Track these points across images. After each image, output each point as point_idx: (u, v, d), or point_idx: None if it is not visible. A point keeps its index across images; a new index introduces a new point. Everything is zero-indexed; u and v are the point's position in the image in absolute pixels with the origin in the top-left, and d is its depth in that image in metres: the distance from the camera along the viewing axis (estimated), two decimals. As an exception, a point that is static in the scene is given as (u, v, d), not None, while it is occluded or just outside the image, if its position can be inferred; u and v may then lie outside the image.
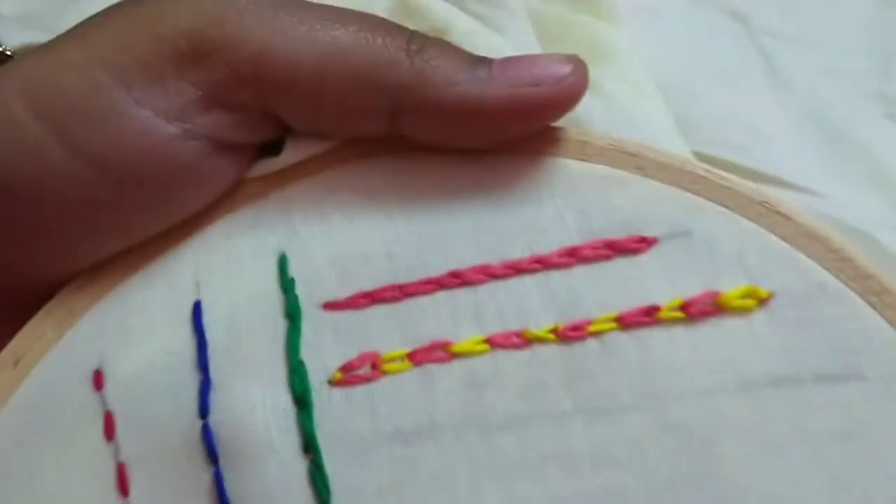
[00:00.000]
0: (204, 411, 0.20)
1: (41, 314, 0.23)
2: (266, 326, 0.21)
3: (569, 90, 0.22)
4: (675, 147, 0.32)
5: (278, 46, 0.21)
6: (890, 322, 0.22)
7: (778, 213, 0.23)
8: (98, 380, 0.21)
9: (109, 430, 0.21)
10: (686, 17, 0.37)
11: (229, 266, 0.22)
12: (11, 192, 0.21)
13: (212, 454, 0.20)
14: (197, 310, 0.22)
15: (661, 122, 0.32)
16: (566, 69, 0.22)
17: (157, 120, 0.21)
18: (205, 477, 0.20)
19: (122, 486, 0.20)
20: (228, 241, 0.23)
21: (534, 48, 0.32)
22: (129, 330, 0.22)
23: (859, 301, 0.22)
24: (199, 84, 0.21)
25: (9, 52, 0.26)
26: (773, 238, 0.22)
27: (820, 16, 0.37)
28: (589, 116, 0.31)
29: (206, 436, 0.20)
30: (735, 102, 0.35)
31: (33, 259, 0.22)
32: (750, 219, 0.23)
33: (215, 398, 0.20)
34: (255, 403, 0.20)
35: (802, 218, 0.23)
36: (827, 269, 0.22)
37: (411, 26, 0.23)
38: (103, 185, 0.21)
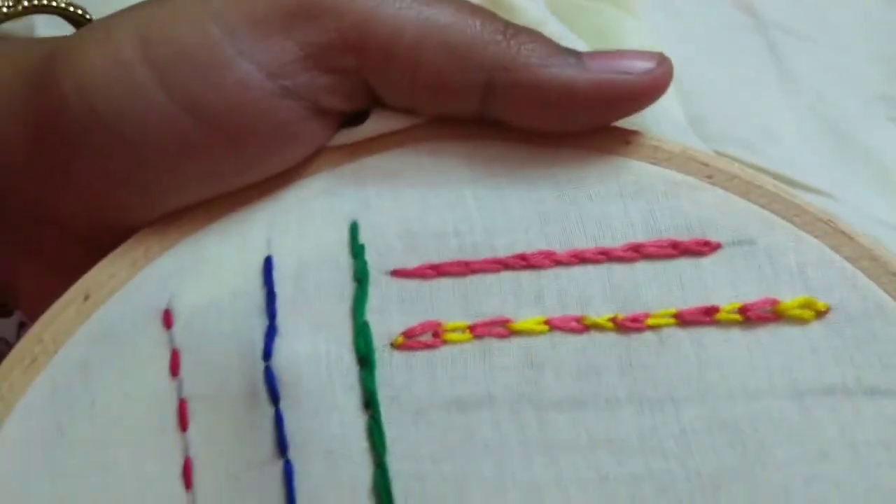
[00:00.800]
0: (268, 354, 0.21)
1: (116, 253, 0.23)
2: (334, 287, 0.22)
3: (655, 82, 0.23)
4: (684, 136, 0.33)
5: (383, 16, 0.22)
6: None
7: (842, 232, 0.23)
8: (168, 318, 0.22)
9: (175, 367, 0.22)
10: (697, 10, 0.37)
11: (302, 228, 0.23)
12: (115, 129, 0.22)
13: (273, 395, 0.21)
14: (268, 264, 0.22)
15: (672, 112, 0.33)
16: (652, 63, 0.23)
17: (258, 74, 0.22)
18: (265, 416, 0.21)
19: (182, 421, 0.21)
20: (303, 203, 0.24)
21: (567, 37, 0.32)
22: (200, 275, 0.23)
23: None
24: (304, 45, 0.22)
25: (88, 16, 0.27)
26: (836, 256, 0.23)
27: (829, 13, 0.37)
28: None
29: (269, 377, 0.21)
30: (743, 99, 0.35)
31: (123, 197, 0.23)
32: (814, 235, 0.23)
33: (280, 344, 0.21)
34: (319, 355, 0.21)
35: (864, 239, 0.23)
36: (886, 290, 0.22)
37: None
38: (198, 132, 0.22)
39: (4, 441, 0.21)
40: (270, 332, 0.21)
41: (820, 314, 0.22)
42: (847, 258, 0.23)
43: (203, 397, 0.21)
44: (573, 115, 0.23)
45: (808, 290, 0.22)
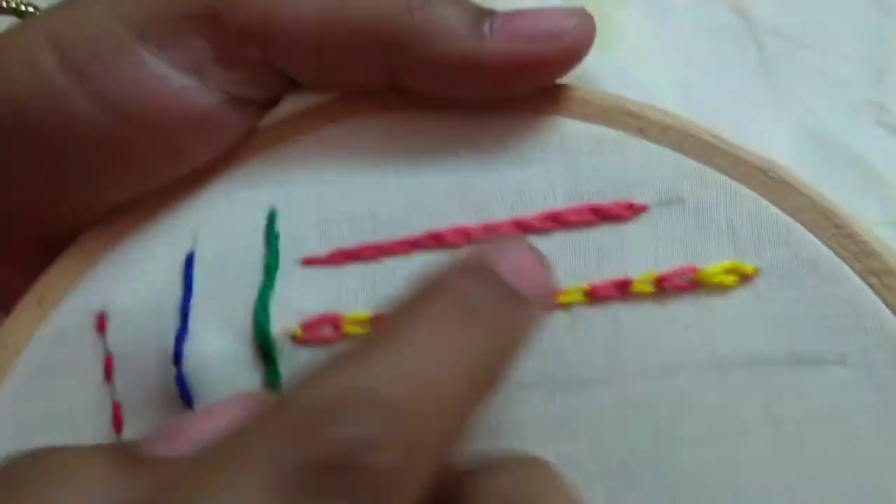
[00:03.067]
0: (178, 358, 0.22)
1: (62, 257, 0.24)
2: (246, 278, 0.22)
3: (570, 47, 0.22)
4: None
5: (283, 5, 0.22)
6: (890, 306, 0.20)
7: (784, 182, 0.21)
8: (101, 323, 0.23)
9: (109, 372, 0.23)
10: (690, 12, 0.36)
11: (224, 218, 0.23)
12: (39, 135, 0.23)
13: (186, 399, 0.21)
14: (189, 259, 0.23)
15: (670, 103, 0.32)
16: (570, 23, 0.22)
17: (171, 71, 0.22)
18: None
19: (117, 425, 0.22)
20: (227, 193, 0.24)
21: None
22: (131, 276, 0.23)
23: (856, 281, 0.20)
24: (211, 40, 0.23)
25: (31, 10, 0.27)
26: (773, 210, 0.21)
27: (819, 17, 0.36)
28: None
29: (180, 381, 0.21)
30: (729, 102, 0.34)
31: (56, 197, 0.24)
32: (751, 188, 0.21)
33: (190, 347, 0.22)
34: (226, 353, 0.22)
35: (808, 189, 0.21)
36: (828, 244, 0.21)
37: None
38: (121, 131, 0.23)
39: None
40: (181, 335, 0.22)
41: (746, 278, 0.21)
42: (787, 210, 0.21)
43: (132, 402, 0.22)
44: (484, 87, 0.22)
45: (736, 251, 0.21)
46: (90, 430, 0.22)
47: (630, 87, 0.31)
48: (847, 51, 0.36)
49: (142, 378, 0.22)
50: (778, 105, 0.35)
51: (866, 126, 0.34)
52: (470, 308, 0.17)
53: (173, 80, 0.22)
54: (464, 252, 0.22)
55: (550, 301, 0.19)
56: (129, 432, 0.22)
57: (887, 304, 0.20)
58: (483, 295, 0.17)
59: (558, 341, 0.21)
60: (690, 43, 0.36)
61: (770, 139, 0.34)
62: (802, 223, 0.21)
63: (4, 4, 0.28)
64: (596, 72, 0.33)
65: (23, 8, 0.29)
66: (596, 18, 0.32)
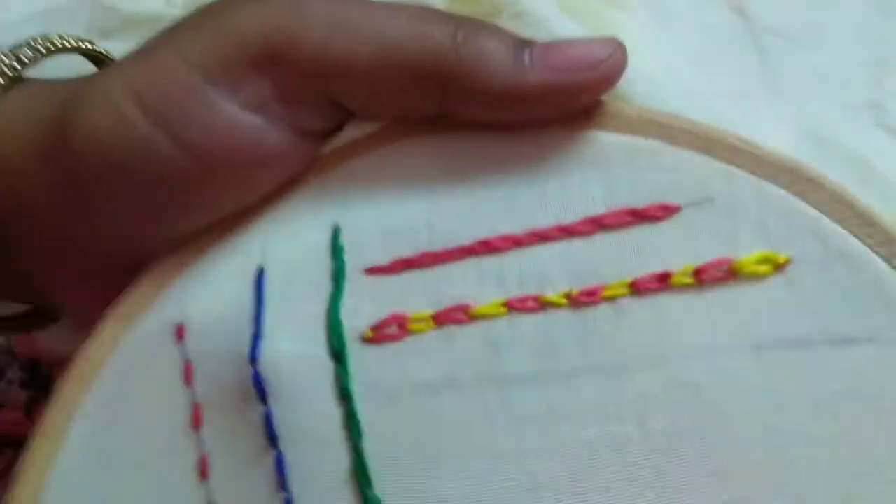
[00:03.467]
0: (254, 358, 0.23)
1: (142, 278, 0.27)
2: (315, 288, 0.24)
3: (604, 75, 0.24)
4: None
5: (335, 42, 0.24)
6: None
7: (807, 178, 0.23)
8: (180, 333, 0.25)
9: (188, 377, 0.25)
10: (691, 12, 0.37)
11: (291, 235, 0.26)
12: (125, 175, 0.25)
13: (261, 395, 0.23)
14: (260, 274, 0.25)
15: (666, 104, 0.33)
16: (605, 53, 0.24)
17: (241, 112, 0.24)
18: (257, 413, 0.23)
19: (196, 423, 0.24)
20: (294, 212, 0.26)
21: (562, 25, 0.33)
22: (207, 290, 0.25)
23: (882, 266, 0.22)
24: (274, 80, 0.24)
25: (100, 50, 0.30)
26: (799, 204, 0.23)
27: (820, 17, 0.37)
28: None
29: (256, 379, 0.23)
30: (729, 102, 0.35)
31: (142, 231, 0.26)
32: (778, 185, 0.23)
33: (264, 348, 0.23)
34: (299, 354, 0.23)
35: (831, 184, 0.23)
36: (853, 233, 0.22)
37: (466, 8, 0.25)
38: (200, 171, 0.25)
39: (71, 441, 0.25)
40: (256, 339, 0.24)
41: (779, 267, 0.22)
42: (812, 203, 0.23)
43: (212, 401, 0.24)
44: (526, 113, 0.24)
45: (768, 243, 0.22)
46: (169, 428, 0.24)
47: (629, 92, 0.32)
48: (847, 52, 0.36)
49: (219, 380, 0.24)
50: (777, 105, 0.35)
51: (866, 127, 0.34)
52: None
53: (244, 120, 0.24)
54: (512, 255, 0.24)
55: None
56: (207, 430, 0.24)
57: None
58: None
59: (604, 331, 0.22)
60: (691, 43, 0.37)
61: (769, 139, 0.34)
62: (828, 215, 0.22)
63: (68, 45, 0.31)
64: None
65: (83, 46, 0.31)
66: (595, 20, 0.34)
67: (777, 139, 0.34)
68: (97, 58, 0.30)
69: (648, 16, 0.36)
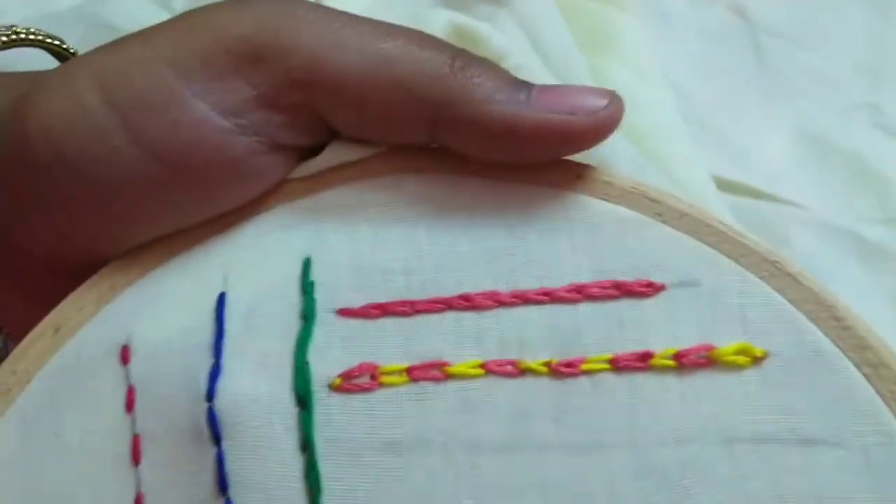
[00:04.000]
0: (210, 395, 0.22)
1: (84, 287, 0.24)
2: (281, 324, 0.23)
3: (601, 123, 0.23)
4: (679, 137, 0.33)
5: (329, 55, 0.23)
6: (882, 395, 0.22)
7: (788, 274, 0.23)
8: (125, 354, 0.23)
9: (130, 403, 0.23)
10: (690, 12, 0.38)
11: (257, 263, 0.24)
12: (78, 170, 0.23)
13: (215, 435, 0.22)
14: (221, 301, 0.23)
15: (664, 110, 0.33)
16: (602, 102, 0.23)
17: (212, 114, 0.23)
18: (208, 455, 0.22)
19: (136, 456, 0.22)
20: (260, 238, 0.24)
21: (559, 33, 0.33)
22: (157, 311, 0.24)
23: (853, 371, 0.22)
24: (255, 84, 0.23)
25: (72, 50, 0.28)
26: (779, 299, 0.23)
27: (818, 19, 0.38)
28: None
29: (211, 418, 0.22)
30: (727, 102, 0.36)
31: (89, 234, 0.24)
32: (760, 277, 0.23)
33: (223, 384, 0.22)
34: (260, 395, 0.22)
35: (811, 282, 0.23)
36: (827, 335, 0.22)
37: None
38: (156, 171, 0.23)
39: None
40: (214, 372, 0.22)
41: (756, 360, 0.22)
42: (792, 301, 0.23)
43: (154, 433, 0.22)
44: (517, 151, 0.24)
45: (747, 333, 0.23)
46: (104, 458, 0.22)
47: (625, 97, 0.32)
48: (844, 53, 0.37)
49: (166, 413, 0.22)
50: (774, 106, 0.36)
51: (862, 127, 0.35)
52: None
53: (213, 123, 0.23)
54: (493, 315, 0.23)
55: None
56: (146, 463, 0.22)
57: (879, 394, 0.22)
58: None
59: (580, 406, 0.22)
60: (689, 45, 0.37)
61: (766, 139, 0.35)
62: (805, 313, 0.23)
63: (32, 37, 0.29)
64: (588, 80, 0.34)
65: (48, 41, 0.29)
66: (594, 22, 0.34)
67: (773, 138, 0.35)
68: (67, 57, 0.28)
69: (648, 17, 0.36)
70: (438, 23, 0.33)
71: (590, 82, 0.35)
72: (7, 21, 0.27)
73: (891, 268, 0.38)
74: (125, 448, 0.22)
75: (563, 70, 0.34)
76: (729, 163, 0.37)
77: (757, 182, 0.38)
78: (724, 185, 0.38)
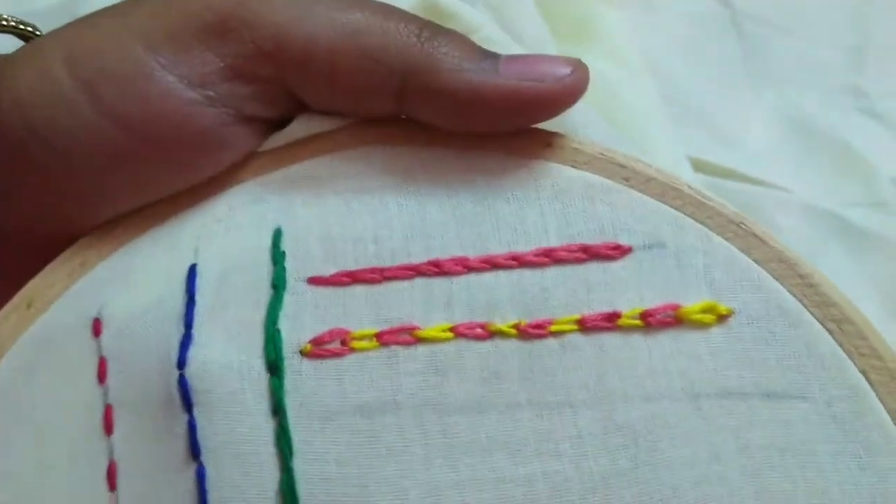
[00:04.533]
0: (182, 363, 0.22)
1: (56, 262, 0.24)
2: (252, 294, 0.23)
3: (567, 89, 0.24)
4: (657, 125, 0.34)
5: (298, 25, 0.23)
6: (846, 350, 0.22)
7: (753, 234, 0.23)
8: (97, 327, 0.23)
9: (102, 375, 0.23)
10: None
11: (228, 235, 0.24)
12: (46, 142, 0.23)
13: (186, 403, 0.22)
14: (192, 272, 0.23)
15: (645, 101, 0.33)
16: (566, 69, 0.24)
17: (179, 85, 0.23)
18: (179, 423, 0.22)
19: (108, 426, 0.22)
20: (231, 211, 0.25)
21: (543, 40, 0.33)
22: (129, 285, 0.24)
23: (818, 326, 0.22)
24: (223, 55, 0.23)
25: (38, 33, 0.28)
26: (744, 258, 0.23)
27: (802, 4, 0.38)
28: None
29: (182, 385, 0.22)
30: (710, 88, 0.36)
31: (58, 208, 0.24)
32: (725, 238, 0.23)
33: (194, 353, 0.22)
34: (231, 362, 0.22)
35: (775, 241, 0.23)
36: (792, 292, 0.23)
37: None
38: (125, 143, 0.23)
39: None
40: (185, 341, 0.22)
41: (721, 318, 0.23)
42: (756, 260, 0.23)
43: (127, 403, 0.23)
44: (485, 119, 0.24)
45: (712, 292, 0.23)
46: (78, 429, 0.22)
47: (604, 88, 0.33)
48: (827, 38, 0.37)
49: (138, 382, 0.23)
50: (759, 90, 0.37)
51: (846, 111, 0.36)
52: None
53: (180, 94, 0.23)
54: (462, 280, 0.23)
55: None
56: (119, 433, 0.22)
57: (843, 348, 0.22)
58: None
59: (548, 366, 0.22)
60: (673, 30, 0.38)
61: (751, 124, 0.35)
62: (770, 272, 0.23)
63: (4, 23, 0.29)
64: None
65: (21, 28, 0.29)
66: (573, 12, 0.34)
67: (757, 123, 0.35)
68: None
69: (633, 3, 0.37)
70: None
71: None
72: None
73: (874, 250, 0.38)
74: (97, 419, 0.22)
75: None
76: (714, 147, 0.38)
77: (742, 166, 0.39)
78: (709, 169, 0.39)
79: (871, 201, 0.38)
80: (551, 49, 0.36)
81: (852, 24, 0.39)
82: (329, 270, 0.23)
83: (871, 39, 0.39)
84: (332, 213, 0.24)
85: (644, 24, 0.39)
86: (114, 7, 0.24)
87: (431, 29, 0.24)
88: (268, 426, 0.22)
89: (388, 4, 0.24)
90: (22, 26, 0.29)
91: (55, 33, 0.24)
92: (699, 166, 0.39)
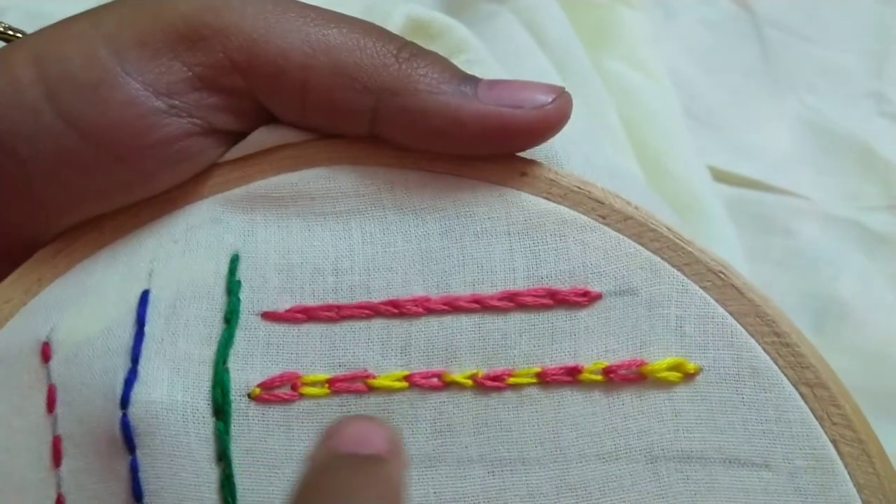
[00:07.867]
0: (125, 402, 0.21)
1: (12, 278, 0.24)
2: (203, 328, 0.22)
3: (546, 119, 0.22)
4: (677, 131, 0.33)
5: (271, 38, 0.22)
6: (817, 416, 0.21)
7: (732, 285, 0.22)
8: (46, 352, 0.23)
9: (52, 403, 0.22)
10: (691, 3, 0.37)
11: (184, 258, 0.23)
12: (8, 146, 0.22)
13: (129, 444, 0.21)
14: (144, 298, 0.23)
15: (663, 104, 0.33)
16: (548, 97, 0.22)
17: (144, 93, 0.22)
18: (122, 464, 0.21)
19: (56, 458, 0.22)
20: (189, 231, 0.24)
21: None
22: (80, 307, 0.23)
23: (790, 389, 0.21)
24: (191, 65, 0.22)
25: (14, 34, 0.27)
26: (720, 311, 0.22)
27: (822, 9, 0.38)
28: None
29: (125, 427, 0.21)
30: (731, 93, 0.36)
31: (14, 214, 0.24)
32: (702, 286, 0.22)
33: (138, 392, 0.21)
34: (176, 404, 0.22)
35: (754, 294, 0.22)
36: (767, 351, 0.22)
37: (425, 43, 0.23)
38: (85, 150, 0.22)
39: None
40: (131, 378, 0.22)
41: (689, 376, 0.22)
42: (733, 313, 0.22)
43: (73, 436, 0.22)
44: (461, 144, 0.23)
45: (682, 347, 0.22)
46: (28, 457, 0.22)
47: (623, 91, 0.32)
48: (848, 42, 0.37)
49: (84, 416, 0.22)
50: (779, 96, 0.36)
51: (867, 116, 0.36)
52: (341, 491, 0.17)
53: (144, 102, 0.22)
54: (421, 322, 0.22)
55: (401, 452, 0.18)
56: (67, 466, 0.22)
57: (815, 415, 0.21)
58: (346, 478, 0.17)
59: (504, 420, 0.21)
60: (693, 37, 0.37)
61: (771, 130, 0.35)
62: (745, 327, 0.22)
63: None
64: (592, 73, 0.34)
65: (11, 34, 0.28)
66: (596, 17, 0.33)
67: (778, 128, 0.35)
68: None
69: (654, 9, 0.36)
70: (396, 16, 0.32)
71: (593, 76, 0.34)
72: None
73: (895, 254, 0.38)
74: (45, 450, 0.22)
75: (566, 65, 0.33)
76: (733, 154, 0.38)
77: (761, 173, 0.38)
78: (727, 178, 0.39)
79: (892, 204, 0.38)
80: (582, 57, 0.35)
81: (874, 28, 0.38)
82: (285, 303, 0.23)
83: (892, 44, 0.37)
84: (294, 238, 0.23)
85: (665, 31, 0.38)
86: (95, 9, 0.23)
87: (411, 49, 0.23)
88: (212, 472, 0.21)
89: (368, 22, 0.23)
90: (11, 32, 0.28)
91: (30, 36, 0.24)
92: (719, 176, 0.38)
